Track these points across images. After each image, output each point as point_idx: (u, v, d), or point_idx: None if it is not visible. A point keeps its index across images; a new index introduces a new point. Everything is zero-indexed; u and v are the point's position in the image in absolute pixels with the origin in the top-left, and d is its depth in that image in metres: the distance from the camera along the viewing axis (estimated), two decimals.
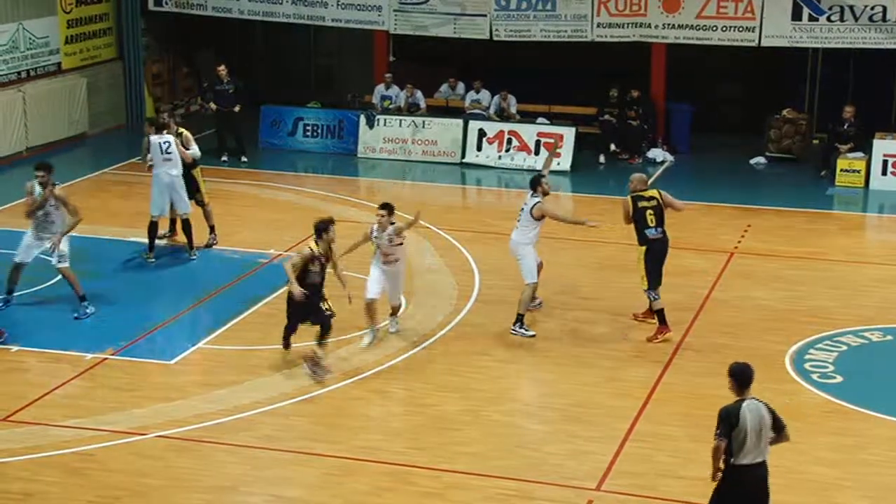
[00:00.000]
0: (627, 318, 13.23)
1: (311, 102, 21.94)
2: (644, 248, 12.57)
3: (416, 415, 11.05)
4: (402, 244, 12.37)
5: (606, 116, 20.83)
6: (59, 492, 9.53)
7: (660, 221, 12.60)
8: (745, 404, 8.01)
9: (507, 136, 20.28)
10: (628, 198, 12.69)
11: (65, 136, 20.98)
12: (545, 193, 12.70)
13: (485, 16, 20.89)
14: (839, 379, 11.76)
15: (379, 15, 21.37)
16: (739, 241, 16.25)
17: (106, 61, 22.29)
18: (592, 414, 11.01)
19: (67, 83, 21.15)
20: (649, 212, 12.55)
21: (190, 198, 15.28)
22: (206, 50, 23.36)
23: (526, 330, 12.72)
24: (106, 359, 12.02)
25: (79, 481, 9.68)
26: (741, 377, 8.10)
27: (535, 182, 12.68)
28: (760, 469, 8.07)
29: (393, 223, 12.22)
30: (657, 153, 20.77)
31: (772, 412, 8.11)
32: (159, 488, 9.62)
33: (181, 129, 15.42)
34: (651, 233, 12.56)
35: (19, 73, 20.30)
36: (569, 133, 20.12)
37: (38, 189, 12.91)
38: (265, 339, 12.55)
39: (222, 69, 20.18)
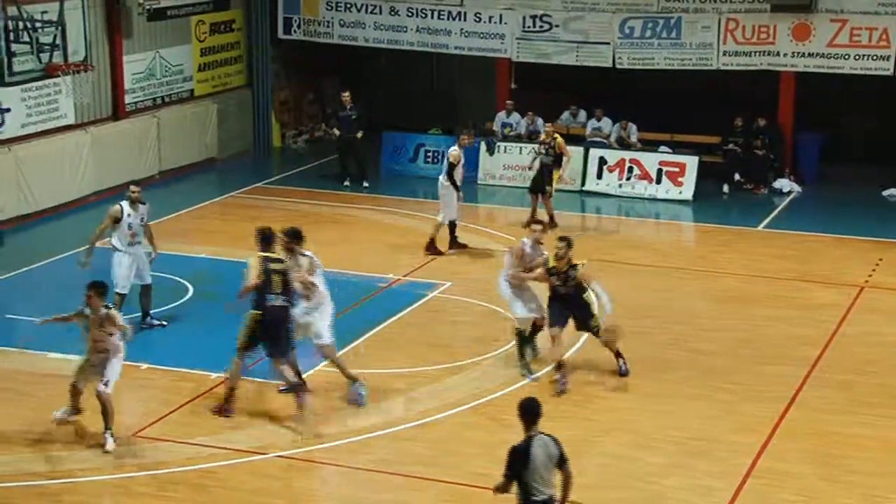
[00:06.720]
0: (750, 352, 12.95)
1: (432, 129, 22.16)
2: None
3: None
4: None
5: (731, 145, 20.47)
6: None
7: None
8: (534, 441, 7.78)
9: (628, 165, 20.10)
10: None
11: (195, 161, 21.66)
12: (461, 146, 16.25)
13: (608, 44, 20.79)
14: None
15: (502, 43, 21.48)
16: (870, 275, 15.71)
17: (236, 88, 22.95)
18: (712, 448, 10.77)
19: (199, 109, 21.84)
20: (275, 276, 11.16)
21: None
22: (330, 77, 23.84)
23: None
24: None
25: (201, 498, 9.91)
26: (529, 413, 7.82)
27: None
28: None
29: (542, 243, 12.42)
30: (783, 183, 20.29)
31: (559, 446, 7.85)
32: None
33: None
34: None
35: (154, 99, 21.06)
36: (691, 162, 19.84)
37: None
38: (383, 362, 12.67)
39: (346, 96, 20.58)
